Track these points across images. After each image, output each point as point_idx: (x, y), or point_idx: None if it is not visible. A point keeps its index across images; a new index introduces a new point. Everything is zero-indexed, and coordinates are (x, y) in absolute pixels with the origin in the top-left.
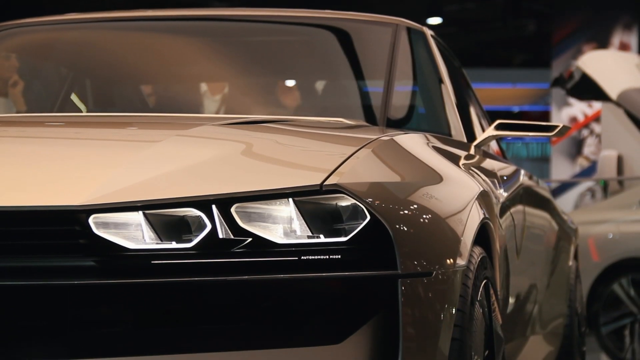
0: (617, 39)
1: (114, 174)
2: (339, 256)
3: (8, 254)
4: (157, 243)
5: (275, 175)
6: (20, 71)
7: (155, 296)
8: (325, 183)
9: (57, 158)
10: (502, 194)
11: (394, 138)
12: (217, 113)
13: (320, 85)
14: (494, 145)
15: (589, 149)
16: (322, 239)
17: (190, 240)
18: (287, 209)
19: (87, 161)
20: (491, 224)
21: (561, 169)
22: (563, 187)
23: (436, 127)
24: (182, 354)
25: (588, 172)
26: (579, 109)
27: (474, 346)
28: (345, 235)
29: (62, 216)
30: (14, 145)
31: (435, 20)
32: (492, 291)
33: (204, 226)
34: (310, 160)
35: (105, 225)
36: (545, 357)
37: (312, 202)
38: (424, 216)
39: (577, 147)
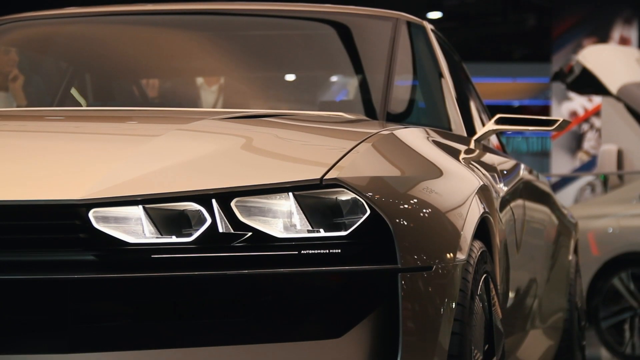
0: (617, 33)
1: (114, 168)
2: (339, 250)
3: (8, 248)
4: (157, 237)
5: (275, 170)
6: (20, 65)
7: (155, 290)
8: (325, 177)
9: (57, 152)
10: (502, 188)
11: (394, 132)
12: (214, 104)
13: (320, 79)
14: (494, 140)
15: (589, 143)
16: (322, 233)
17: (190, 235)
18: (287, 203)
19: (87, 155)
20: (491, 218)
21: (561, 163)
22: (563, 182)
23: (436, 121)
24: (182, 348)
25: (588, 166)
26: (579, 103)
27: (474, 340)
28: (345, 230)
29: (62, 210)
30: (14, 140)
31: (435, 15)
32: (492, 285)
33: (203, 220)
34: (310, 155)
35: (105, 219)
36: (545, 352)
37: (312, 196)
38: (424, 210)
39: (577, 141)
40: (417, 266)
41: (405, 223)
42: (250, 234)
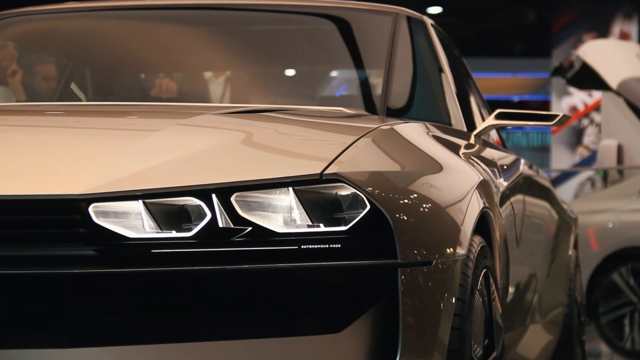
0: (617, 28)
1: (114, 163)
2: (339, 245)
3: (8, 243)
4: (157, 232)
5: (275, 165)
6: (19, 60)
7: (155, 285)
8: (325, 172)
9: (57, 147)
10: (502, 183)
11: (394, 127)
12: (221, 96)
13: (320, 74)
14: (494, 135)
15: (589, 138)
16: (322, 228)
17: (190, 230)
18: (287, 198)
19: (87, 150)
20: (491, 213)
21: (561, 158)
22: (563, 177)
23: (436, 116)
24: (181, 342)
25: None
26: (579, 98)
27: (474, 335)
28: (345, 225)
29: (62, 205)
30: (14, 135)
31: (435, 10)
32: (492, 280)
33: (203, 215)
34: (310, 150)
35: (105, 214)
36: (545, 346)
37: (312, 191)
38: (424, 205)
39: (577, 136)
40: (417, 261)
41: (405, 218)
42: (250, 228)
